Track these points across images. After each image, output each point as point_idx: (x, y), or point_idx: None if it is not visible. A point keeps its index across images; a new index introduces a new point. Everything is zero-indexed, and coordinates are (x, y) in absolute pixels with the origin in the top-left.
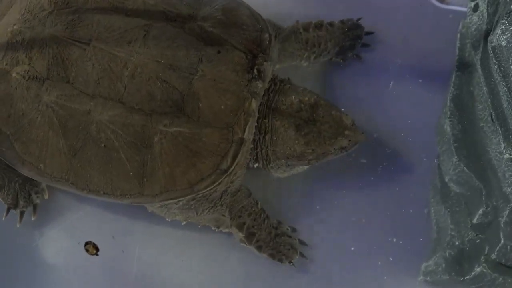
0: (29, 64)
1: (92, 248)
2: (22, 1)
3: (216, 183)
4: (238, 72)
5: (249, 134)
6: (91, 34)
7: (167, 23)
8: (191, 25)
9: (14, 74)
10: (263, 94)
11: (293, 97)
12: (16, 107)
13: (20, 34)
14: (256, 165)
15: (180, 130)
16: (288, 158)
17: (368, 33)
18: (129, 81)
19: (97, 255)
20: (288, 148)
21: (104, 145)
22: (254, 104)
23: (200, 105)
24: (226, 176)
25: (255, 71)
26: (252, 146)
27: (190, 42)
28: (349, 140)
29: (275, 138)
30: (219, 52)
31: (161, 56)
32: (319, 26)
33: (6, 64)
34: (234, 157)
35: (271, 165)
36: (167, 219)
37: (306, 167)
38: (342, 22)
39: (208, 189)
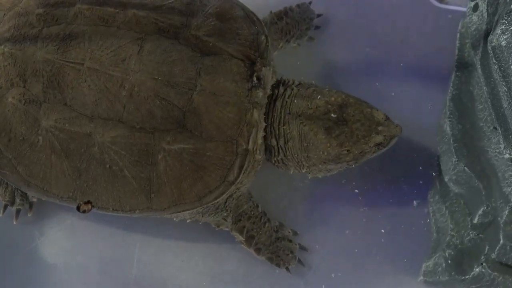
0: (24, 86)
1: (86, 205)
2: (10, 18)
3: (225, 194)
4: (237, 82)
5: (254, 145)
6: (84, 54)
7: (160, 35)
8: (186, 34)
9: (10, 99)
10: (276, 100)
11: (319, 99)
12: (15, 132)
13: (12, 56)
14: (292, 171)
15: (184, 147)
16: (324, 162)
17: (319, 15)
18: (128, 101)
19: (93, 206)
20: (321, 152)
21: (109, 166)
22: (256, 114)
23: (202, 120)
24: (233, 186)
25: (255, 78)
26: (273, 154)
27: (186, 54)
28: (384, 136)
29: (305, 144)
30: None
31: (158, 73)
32: (285, 13)
33: (1, 87)
34: (241, 168)
35: (306, 170)
36: (174, 219)
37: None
38: (298, 6)
39: (216, 200)
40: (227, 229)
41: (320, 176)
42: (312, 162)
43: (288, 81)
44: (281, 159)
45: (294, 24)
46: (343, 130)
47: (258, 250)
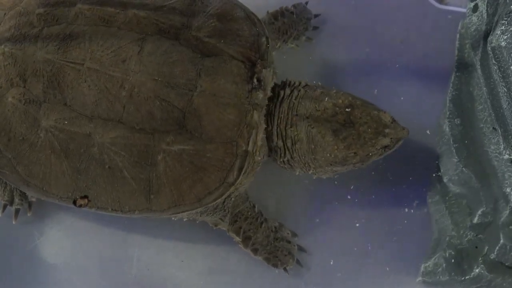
0: (24, 86)
1: (82, 200)
2: (10, 18)
3: (224, 196)
4: (237, 84)
5: (253, 146)
6: (84, 54)
7: (161, 36)
8: (186, 35)
9: (10, 99)
10: (283, 102)
11: (326, 101)
12: (15, 132)
13: (12, 56)
14: (298, 172)
15: (184, 148)
16: (331, 164)
17: (316, 15)
18: (128, 101)
19: (89, 201)
20: (328, 154)
21: (108, 166)
22: (257, 116)
23: (202, 121)
24: (232, 188)
25: (255, 80)
26: (279, 155)
27: (186, 55)
28: (391, 138)
29: (313, 147)
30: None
31: (158, 74)
32: (281, 13)
33: (1, 87)
34: (240, 169)
35: (312, 171)
36: (173, 218)
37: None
38: (294, 6)
39: (216, 201)
40: (224, 229)
41: (324, 177)
42: (319, 164)
43: (294, 83)
44: (287, 160)
45: (291, 24)
46: (350, 133)
47: (255, 251)
